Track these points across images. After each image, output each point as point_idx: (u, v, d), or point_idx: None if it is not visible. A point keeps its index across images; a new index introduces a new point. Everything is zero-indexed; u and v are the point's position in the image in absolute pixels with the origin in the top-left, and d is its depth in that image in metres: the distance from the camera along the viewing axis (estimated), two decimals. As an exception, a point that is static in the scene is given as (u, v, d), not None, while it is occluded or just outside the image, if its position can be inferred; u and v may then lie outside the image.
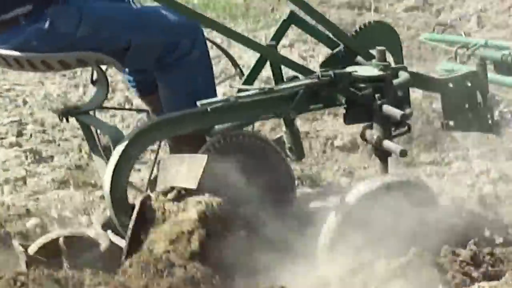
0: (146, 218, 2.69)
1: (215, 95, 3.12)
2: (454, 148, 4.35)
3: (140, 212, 2.69)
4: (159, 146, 3.28)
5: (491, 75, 3.59)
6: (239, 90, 3.06)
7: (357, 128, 3.35)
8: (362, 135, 3.07)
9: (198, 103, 2.84)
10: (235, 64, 3.40)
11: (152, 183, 3.06)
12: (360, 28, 3.26)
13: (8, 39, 2.91)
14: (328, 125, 4.49)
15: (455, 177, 4.16)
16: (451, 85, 3.33)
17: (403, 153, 2.93)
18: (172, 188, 2.73)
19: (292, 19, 3.22)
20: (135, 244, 2.66)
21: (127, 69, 3.26)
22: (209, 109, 2.81)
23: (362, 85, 2.96)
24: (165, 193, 2.74)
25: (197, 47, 3.07)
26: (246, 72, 3.26)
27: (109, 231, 2.89)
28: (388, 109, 2.91)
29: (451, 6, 6.33)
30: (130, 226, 2.69)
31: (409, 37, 5.60)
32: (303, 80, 2.97)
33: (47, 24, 2.87)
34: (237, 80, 3.45)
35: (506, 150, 4.18)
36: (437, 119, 4.08)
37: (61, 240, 2.84)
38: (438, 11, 6.24)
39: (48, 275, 2.53)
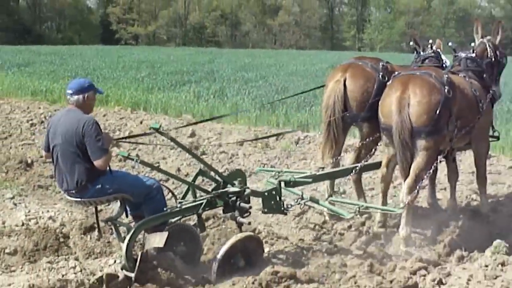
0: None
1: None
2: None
3: (140, 261, 6.28)
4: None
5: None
6: (180, 203, 6.77)
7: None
8: (230, 217, 6.91)
9: (165, 208, 6.57)
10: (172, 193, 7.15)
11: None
12: (230, 172, 7.16)
13: (83, 195, 6.47)
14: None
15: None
16: (266, 194, 7.20)
17: (249, 224, 6.81)
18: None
19: (200, 173, 7.05)
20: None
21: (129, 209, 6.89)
22: (169, 211, 6.57)
23: (232, 195, 6.82)
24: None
25: (159, 193, 6.78)
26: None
27: (124, 270, 6.42)
28: (243, 205, 6.81)
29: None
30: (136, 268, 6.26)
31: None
32: (206, 196, 6.79)
33: (101, 186, 6.47)
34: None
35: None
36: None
37: (104, 276, 6.34)
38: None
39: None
